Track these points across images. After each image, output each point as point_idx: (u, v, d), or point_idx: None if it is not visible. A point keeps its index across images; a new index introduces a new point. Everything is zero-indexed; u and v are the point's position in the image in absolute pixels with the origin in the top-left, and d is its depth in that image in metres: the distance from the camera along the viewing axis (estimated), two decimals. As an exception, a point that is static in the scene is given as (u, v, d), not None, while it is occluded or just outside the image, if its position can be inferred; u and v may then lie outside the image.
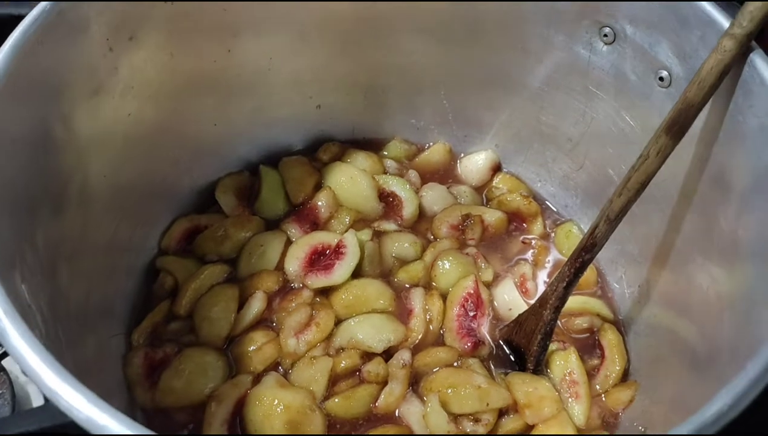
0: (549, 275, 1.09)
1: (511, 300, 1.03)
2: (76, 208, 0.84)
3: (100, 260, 0.91)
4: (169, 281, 1.03)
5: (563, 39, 0.99)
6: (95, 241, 0.90)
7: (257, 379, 0.93)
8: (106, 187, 0.91)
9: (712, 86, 0.75)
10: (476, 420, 0.90)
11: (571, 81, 1.03)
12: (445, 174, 1.22)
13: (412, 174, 1.18)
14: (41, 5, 0.74)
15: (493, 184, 1.20)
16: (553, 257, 1.12)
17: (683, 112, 0.77)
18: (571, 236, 1.11)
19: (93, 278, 0.89)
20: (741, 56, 0.74)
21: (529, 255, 1.12)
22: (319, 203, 1.11)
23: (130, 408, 0.91)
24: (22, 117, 0.70)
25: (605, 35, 0.94)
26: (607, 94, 0.99)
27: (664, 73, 0.88)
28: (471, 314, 1.01)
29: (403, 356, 0.96)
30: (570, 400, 0.95)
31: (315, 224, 1.11)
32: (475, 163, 1.21)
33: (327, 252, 1.05)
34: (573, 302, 1.04)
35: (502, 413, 0.92)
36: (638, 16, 0.88)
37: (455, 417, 0.90)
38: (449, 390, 0.91)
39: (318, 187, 1.14)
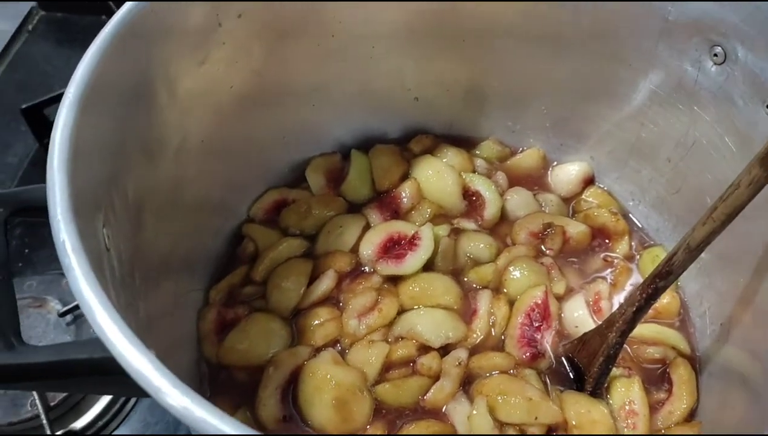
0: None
1: (579, 317, 1.00)
2: (171, 166, 0.90)
3: (189, 219, 0.98)
4: (250, 247, 1.08)
5: (671, 54, 0.94)
6: (186, 201, 0.96)
7: (315, 352, 0.96)
8: (202, 152, 0.97)
9: (817, 120, 0.69)
10: (522, 432, 0.89)
11: (675, 99, 0.98)
12: (535, 180, 1.19)
13: (500, 176, 1.17)
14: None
15: (583, 196, 1.17)
16: (635, 280, 1.07)
17: (782, 145, 0.72)
18: (658, 262, 1.06)
19: (179, 235, 0.95)
20: None
21: (608, 274, 1.08)
22: (403, 193, 1.13)
23: (197, 360, 0.98)
24: (129, 72, 0.76)
25: (715, 54, 0.88)
26: (712, 117, 0.93)
27: (774, 103, 0.82)
28: (536, 324, 0.99)
29: (460, 354, 0.96)
30: (625, 430, 0.91)
31: (396, 213, 1.13)
32: (567, 173, 1.18)
33: (402, 242, 1.07)
34: (648, 329, 1.00)
35: (550, 429, 0.90)
36: (751, 37, 0.82)
37: (501, 425, 0.89)
38: (499, 397, 0.90)
39: (405, 177, 1.16)
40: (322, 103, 1.12)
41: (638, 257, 1.10)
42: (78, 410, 1.12)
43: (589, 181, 1.18)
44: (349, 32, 1.04)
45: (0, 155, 1.53)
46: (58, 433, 1.08)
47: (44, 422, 1.05)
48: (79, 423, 1.11)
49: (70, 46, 1.76)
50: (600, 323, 0.96)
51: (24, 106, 1.37)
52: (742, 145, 0.89)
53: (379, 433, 0.90)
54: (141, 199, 0.82)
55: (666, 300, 1.03)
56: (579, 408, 0.91)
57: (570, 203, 1.17)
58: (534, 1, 1.01)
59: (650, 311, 1.00)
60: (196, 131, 0.94)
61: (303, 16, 0.98)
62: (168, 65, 0.83)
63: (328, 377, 0.91)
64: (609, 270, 1.08)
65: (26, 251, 1.30)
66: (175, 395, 0.49)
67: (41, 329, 1.13)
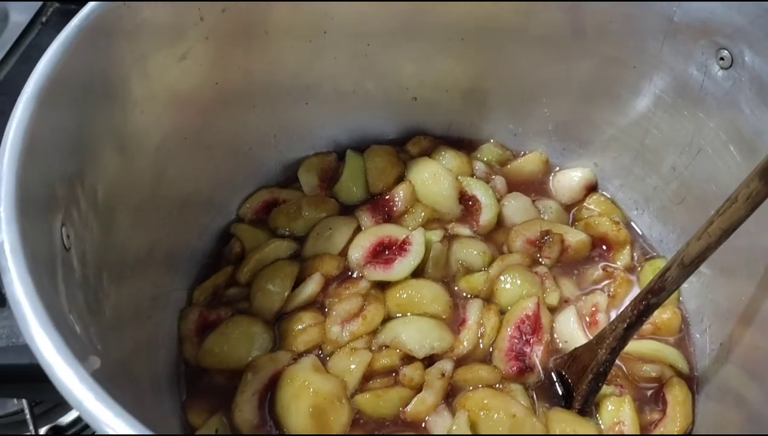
0: (624, 312, 1.00)
1: (570, 332, 0.95)
2: (150, 163, 0.88)
3: (172, 217, 0.96)
4: (237, 247, 1.06)
5: (677, 58, 0.90)
6: (169, 198, 0.94)
7: (296, 358, 0.93)
8: (186, 148, 0.94)
9: (820, 132, 0.64)
10: (504, 449, 0.85)
11: (680, 105, 0.93)
12: (535, 186, 1.15)
13: (498, 181, 1.13)
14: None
15: (585, 204, 1.12)
16: (635, 293, 1.02)
17: (782, 157, 0.67)
18: (660, 274, 1.01)
19: (161, 232, 0.94)
20: None
21: (607, 285, 1.03)
22: (396, 196, 1.09)
23: (177, 360, 0.96)
24: (97, 67, 0.74)
25: (722, 58, 0.83)
26: (717, 124, 0.88)
27: (781, 111, 0.76)
28: (526, 337, 0.95)
29: (445, 366, 0.92)
30: (614, 451, 0.87)
31: (389, 216, 1.09)
32: (569, 179, 1.13)
33: (392, 246, 1.03)
34: (646, 346, 0.96)
35: (534, 447, 0.86)
36: (759, 40, 0.77)
37: (483, 441, 0.86)
38: (481, 412, 0.86)
39: (400, 179, 1.13)
40: (316, 101, 1.10)
41: (639, 268, 1.05)
42: (65, 406, 1.12)
43: (591, 188, 1.13)
44: (342, 29, 1.01)
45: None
46: (43, 429, 1.07)
47: (28, 417, 1.04)
48: (65, 419, 1.11)
49: (84, 38, 1.76)
50: (591, 337, 0.91)
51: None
52: (748, 154, 0.84)
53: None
54: (114, 196, 0.80)
55: (667, 315, 0.98)
56: (565, 426, 0.86)
57: (571, 211, 1.12)
58: (536, 1, 0.97)
59: (649, 326, 0.97)
60: (179, 128, 0.92)
61: (292, 13, 0.95)
62: (144, 60, 0.81)
63: (306, 384, 0.89)
64: (608, 281, 1.03)
65: None
66: (99, 410, 0.46)
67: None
